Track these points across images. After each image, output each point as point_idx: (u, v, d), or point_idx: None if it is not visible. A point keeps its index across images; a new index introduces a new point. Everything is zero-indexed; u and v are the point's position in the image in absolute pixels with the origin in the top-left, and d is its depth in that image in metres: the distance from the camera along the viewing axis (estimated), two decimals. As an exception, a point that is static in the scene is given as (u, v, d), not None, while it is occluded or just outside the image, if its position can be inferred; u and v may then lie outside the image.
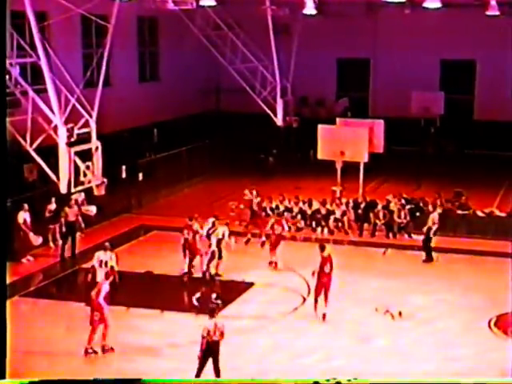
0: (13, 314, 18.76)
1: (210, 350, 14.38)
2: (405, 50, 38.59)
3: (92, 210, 22.93)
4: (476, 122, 38.98)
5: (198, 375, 14.40)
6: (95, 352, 16.02)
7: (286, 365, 15.68)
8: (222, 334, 14.41)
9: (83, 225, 24.00)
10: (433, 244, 22.65)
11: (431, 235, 22.57)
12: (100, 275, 17.59)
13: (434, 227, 22.62)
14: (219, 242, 20.43)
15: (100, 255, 18.43)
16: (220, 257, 20.44)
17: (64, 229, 22.60)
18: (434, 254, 22.49)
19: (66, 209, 22.81)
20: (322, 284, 17.92)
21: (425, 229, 22.80)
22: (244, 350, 16.24)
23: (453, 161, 35.13)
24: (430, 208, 25.27)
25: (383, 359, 16.10)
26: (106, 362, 15.89)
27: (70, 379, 11.05)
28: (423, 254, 22.56)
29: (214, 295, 18.23)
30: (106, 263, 18.17)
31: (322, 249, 18.34)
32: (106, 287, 16.20)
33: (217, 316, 14.72)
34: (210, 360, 14.46)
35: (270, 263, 21.59)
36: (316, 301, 18.06)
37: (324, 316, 17.84)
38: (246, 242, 23.56)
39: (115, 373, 15.35)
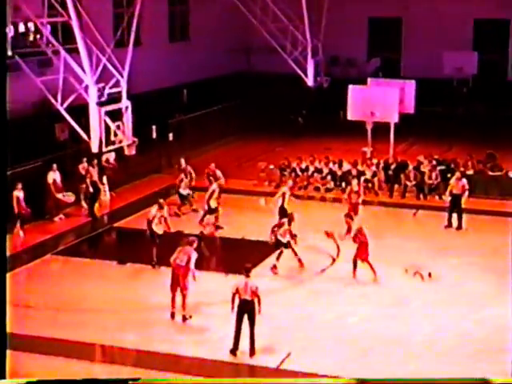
0: (44, 271, 19.20)
1: (242, 309, 14.41)
2: (437, 9, 37.99)
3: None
4: (509, 83, 38.40)
5: (236, 333, 14.46)
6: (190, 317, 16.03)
7: (325, 324, 15.81)
8: (254, 294, 14.40)
9: (106, 186, 24.30)
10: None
11: (462, 201, 22.07)
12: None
13: (465, 194, 22.12)
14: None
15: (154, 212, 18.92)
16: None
17: (91, 189, 22.82)
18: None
19: (90, 168, 22.99)
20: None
21: (447, 194, 22.39)
22: (280, 309, 16.29)
23: (485, 122, 34.71)
24: (462, 169, 25.09)
25: (417, 320, 16.15)
26: (133, 319, 16.06)
27: (70, 379, 11.16)
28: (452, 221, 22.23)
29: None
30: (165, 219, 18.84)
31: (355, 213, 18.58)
32: (195, 255, 16.00)
33: (250, 275, 14.74)
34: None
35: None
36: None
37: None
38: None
39: (142, 328, 15.58)
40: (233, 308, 14.49)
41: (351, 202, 21.30)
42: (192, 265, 15.80)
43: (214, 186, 21.53)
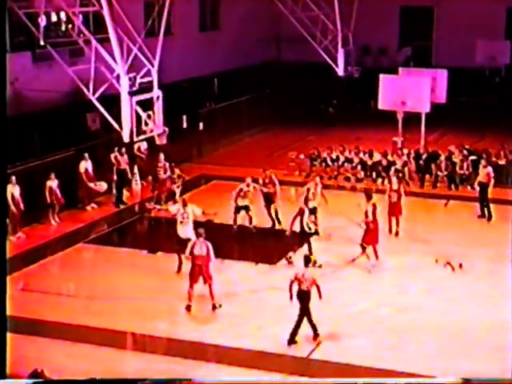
0: (77, 260, 19.37)
1: (300, 299, 14.51)
2: (470, -3, 37.65)
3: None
4: (542, 72, 37.97)
5: (298, 322, 14.51)
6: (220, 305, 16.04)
7: (356, 314, 15.84)
8: (311, 285, 14.46)
9: (137, 176, 24.41)
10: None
11: (489, 190, 22.00)
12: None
13: (491, 183, 22.03)
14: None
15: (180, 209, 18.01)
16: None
17: (115, 177, 22.94)
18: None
19: (118, 156, 23.09)
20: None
21: (476, 184, 22.38)
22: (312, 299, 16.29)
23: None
24: (494, 159, 24.90)
25: (449, 309, 16.12)
26: (164, 308, 16.17)
27: (70, 379, 11.22)
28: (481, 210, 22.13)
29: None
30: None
31: (369, 197, 18.39)
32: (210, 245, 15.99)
33: (310, 267, 14.81)
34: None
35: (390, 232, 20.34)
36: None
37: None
38: None
39: (173, 317, 15.68)
40: (291, 296, 14.57)
41: (391, 201, 20.39)
42: (212, 254, 15.87)
43: (310, 184, 20.51)
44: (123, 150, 23.14)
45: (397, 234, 20.22)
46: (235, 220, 20.64)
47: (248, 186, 20.51)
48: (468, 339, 14.78)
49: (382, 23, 38.75)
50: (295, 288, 14.59)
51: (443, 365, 13.65)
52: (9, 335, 10.38)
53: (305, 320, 14.55)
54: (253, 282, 17.52)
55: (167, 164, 22.84)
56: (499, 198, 23.09)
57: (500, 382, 11.42)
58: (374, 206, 18.45)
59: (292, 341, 14.48)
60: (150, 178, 24.00)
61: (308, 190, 19.88)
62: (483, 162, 22.96)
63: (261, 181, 21.18)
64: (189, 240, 16.79)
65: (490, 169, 22.23)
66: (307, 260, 14.81)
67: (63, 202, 21.36)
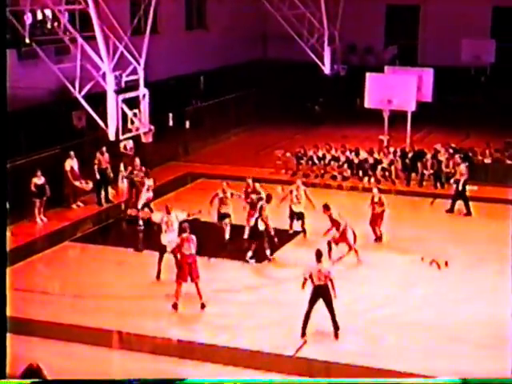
0: (63, 258, 19.31)
1: (317, 294, 14.53)
2: (456, -4, 37.77)
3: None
4: (528, 71, 38.13)
5: (305, 318, 14.57)
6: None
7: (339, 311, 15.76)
8: (327, 278, 14.49)
9: (123, 173, 24.30)
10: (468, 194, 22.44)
11: (460, 188, 22.27)
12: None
13: (462, 179, 22.27)
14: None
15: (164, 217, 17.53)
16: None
17: (98, 176, 22.87)
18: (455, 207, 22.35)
19: (99, 155, 22.96)
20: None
21: (452, 181, 22.69)
22: (286, 299, 16.33)
23: (503, 111, 34.48)
24: (479, 157, 25.03)
25: (430, 307, 16.18)
26: (151, 306, 16.14)
27: (70, 379, 11.18)
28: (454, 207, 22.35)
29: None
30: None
31: (327, 208, 18.48)
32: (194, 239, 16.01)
33: (323, 261, 14.83)
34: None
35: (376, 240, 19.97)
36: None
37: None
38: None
39: (160, 315, 15.66)
40: (303, 287, 14.62)
41: (374, 212, 19.80)
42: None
43: (292, 187, 20.22)
44: (104, 149, 22.96)
45: (381, 237, 19.85)
46: (222, 228, 19.76)
47: (224, 192, 19.64)
48: (462, 336, 14.84)
49: (368, 22, 38.80)
50: (309, 283, 14.60)
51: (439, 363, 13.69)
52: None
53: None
54: (240, 280, 17.54)
55: (143, 168, 22.08)
56: (485, 196, 23.23)
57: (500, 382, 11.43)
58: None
59: (304, 333, 14.59)
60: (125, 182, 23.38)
61: (291, 192, 19.81)
62: (458, 159, 23.19)
63: (243, 190, 20.26)
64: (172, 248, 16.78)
65: (463, 166, 22.51)
66: (319, 254, 14.78)
67: (49, 194, 21.22)
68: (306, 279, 14.62)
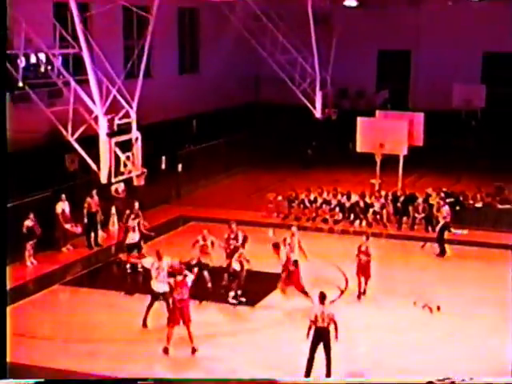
0: (53, 301, 19.18)
1: (318, 337, 14.52)
2: (446, 41, 38.24)
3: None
4: (518, 116, 38.48)
5: (309, 361, 14.53)
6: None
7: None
8: (331, 321, 14.51)
9: (115, 217, 24.28)
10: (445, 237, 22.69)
11: (437, 229, 22.54)
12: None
13: (443, 220, 22.49)
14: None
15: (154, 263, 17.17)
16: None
17: (86, 220, 22.84)
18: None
19: (88, 199, 22.95)
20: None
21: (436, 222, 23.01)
22: (277, 342, 16.29)
23: (494, 155, 34.75)
24: (471, 202, 25.15)
25: (421, 351, 16.09)
26: (143, 350, 16.02)
27: (70, 379, 11.10)
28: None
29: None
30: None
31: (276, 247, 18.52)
32: (191, 278, 16.07)
33: (326, 303, 14.83)
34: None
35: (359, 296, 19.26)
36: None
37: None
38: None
39: (152, 359, 15.54)
40: (308, 334, 14.59)
41: (360, 262, 19.04)
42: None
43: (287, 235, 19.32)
44: (94, 192, 22.95)
45: (364, 292, 19.09)
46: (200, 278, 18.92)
47: (205, 239, 19.13)
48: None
49: (359, 66, 39.25)
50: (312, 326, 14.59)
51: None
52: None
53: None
54: (231, 324, 17.46)
55: (140, 213, 21.74)
56: (476, 240, 23.29)
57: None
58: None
59: (309, 374, 14.53)
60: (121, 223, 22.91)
61: (284, 240, 19.62)
62: (440, 201, 23.37)
63: (226, 235, 19.56)
64: (163, 293, 16.68)
65: (446, 208, 22.72)
66: (323, 297, 14.78)
67: (39, 234, 21.15)
68: (311, 323, 14.56)
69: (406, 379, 12.73)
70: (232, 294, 18.51)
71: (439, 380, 9.74)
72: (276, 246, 18.61)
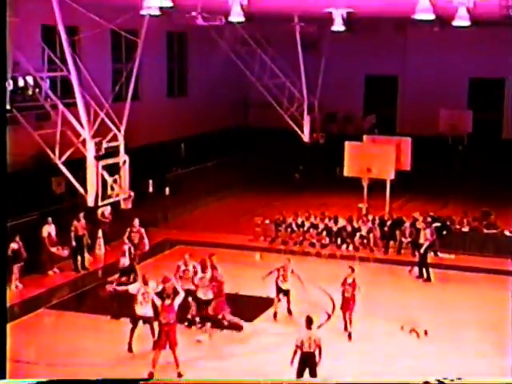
0: (38, 325, 19.05)
1: (304, 362, 14.47)
2: (433, 67, 38.54)
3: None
4: (504, 141, 38.73)
5: None
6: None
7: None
8: (317, 346, 14.46)
9: (101, 240, 24.19)
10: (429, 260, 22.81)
11: (421, 251, 22.63)
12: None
13: (426, 244, 22.63)
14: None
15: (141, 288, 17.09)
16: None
17: (74, 243, 22.72)
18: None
19: (75, 223, 22.86)
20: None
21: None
22: (266, 367, 16.15)
23: (480, 180, 34.92)
24: (458, 226, 25.24)
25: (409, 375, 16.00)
26: (129, 375, 15.90)
27: (71, 379, 11.02)
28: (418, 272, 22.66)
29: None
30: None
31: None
32: (179, 299, 16.10)
33: (313, 328, 14.78)
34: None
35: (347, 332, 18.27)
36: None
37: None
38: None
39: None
40: (292, 361, 14.53)
41: (344, 295, 18.14)
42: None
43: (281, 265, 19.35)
44: (80, 215, 22.85)
45: (349, 335, 18.01)
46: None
47: (186, 264, 18.67)
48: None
49: (347, 91, 39.44)
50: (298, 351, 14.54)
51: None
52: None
53: None
54: (219, 348, 17.38)
55: (142, 229, 21.87)
56: (462, 264, 23.33)
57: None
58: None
59: None
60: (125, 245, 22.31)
61: (278, 270, 19.49)
62: (422, 224, 23.47)
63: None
64: (148, 317, 16.80)
65: (428, 231, 22.89)
66: (310, 321, 14.72)
67: (25, 257, 21.04)
68: (297, 348, 14.49)
69: (404, 379, 12.62)
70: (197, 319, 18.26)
71: (437, 380, 9.71)
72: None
